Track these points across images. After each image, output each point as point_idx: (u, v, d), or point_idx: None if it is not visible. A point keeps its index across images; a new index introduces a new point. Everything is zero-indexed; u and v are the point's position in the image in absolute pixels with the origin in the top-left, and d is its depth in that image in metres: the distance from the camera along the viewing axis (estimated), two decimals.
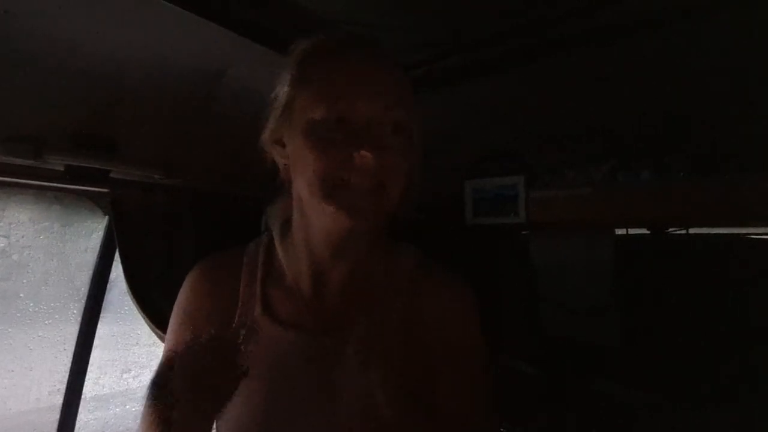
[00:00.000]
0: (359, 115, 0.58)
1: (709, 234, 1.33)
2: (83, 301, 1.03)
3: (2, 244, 1.00)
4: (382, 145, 0.58)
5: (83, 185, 0.92)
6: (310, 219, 0.65)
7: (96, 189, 0.95)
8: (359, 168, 0.57)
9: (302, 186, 0.62)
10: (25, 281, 1.04)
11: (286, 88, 0.64)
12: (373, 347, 0.65)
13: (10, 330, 1.04)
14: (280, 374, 0.64)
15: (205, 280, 0.72)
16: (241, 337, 0.65)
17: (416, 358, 0.67)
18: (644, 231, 1.37)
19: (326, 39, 0.64)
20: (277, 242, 0.72)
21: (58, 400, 1.00)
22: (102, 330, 1.06)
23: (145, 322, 0.95)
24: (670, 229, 1.33)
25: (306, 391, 0.64)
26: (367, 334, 0.66)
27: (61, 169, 0.83)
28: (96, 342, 1.04)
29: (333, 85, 0.60)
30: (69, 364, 1.01)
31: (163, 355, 0.69)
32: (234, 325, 0.67)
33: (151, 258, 0.98)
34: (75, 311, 1.04)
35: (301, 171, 0.61)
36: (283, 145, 0.65)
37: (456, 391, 0.68)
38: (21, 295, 1.03)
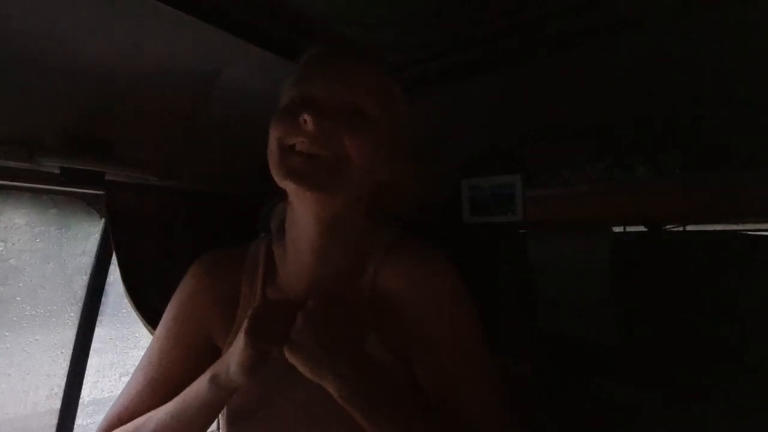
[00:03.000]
0: (317, 91, 0.62)
1: (705, 230, 1.33)
2: (80, 305, 1.03)
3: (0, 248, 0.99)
4: (330, 115, 0.60)
5: (78, 187, 0.92)
6: (295, 214, 0.67)
7: (91, 191, 0.95)
8: (303, 132, 0.59)
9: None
10: (21, 285, 1.03)
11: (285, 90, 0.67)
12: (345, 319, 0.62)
13: (6, 334, 1.03)
14: (272, 373, 0.63)
15: (206, 275, 0.73)
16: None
17: (396, 331, 0.65)
18: (641, 228, 1.38)
19: (324, 44, 0.69)
20: (273, 242, 0.74)
21: (56, 404, 1.00)
22: (100, 333, 1.05)
23: (143, 324, 0.95)
24: (667, 226, 1.34)
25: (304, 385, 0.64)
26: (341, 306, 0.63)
27: (57, 171, 0.83)
28: (94, 345, 1.04)
29: (305, 73, 0.65)
30: (67, 368, 1.00)
31: (152, 345, 0.70)
32: (235, 321, 0.68)
33: (147, 260, 0.97)
34: (72, 315, 1.03)
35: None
36: None
37: (455, 378, 0.64)
38: (18, 298, 1.03)
